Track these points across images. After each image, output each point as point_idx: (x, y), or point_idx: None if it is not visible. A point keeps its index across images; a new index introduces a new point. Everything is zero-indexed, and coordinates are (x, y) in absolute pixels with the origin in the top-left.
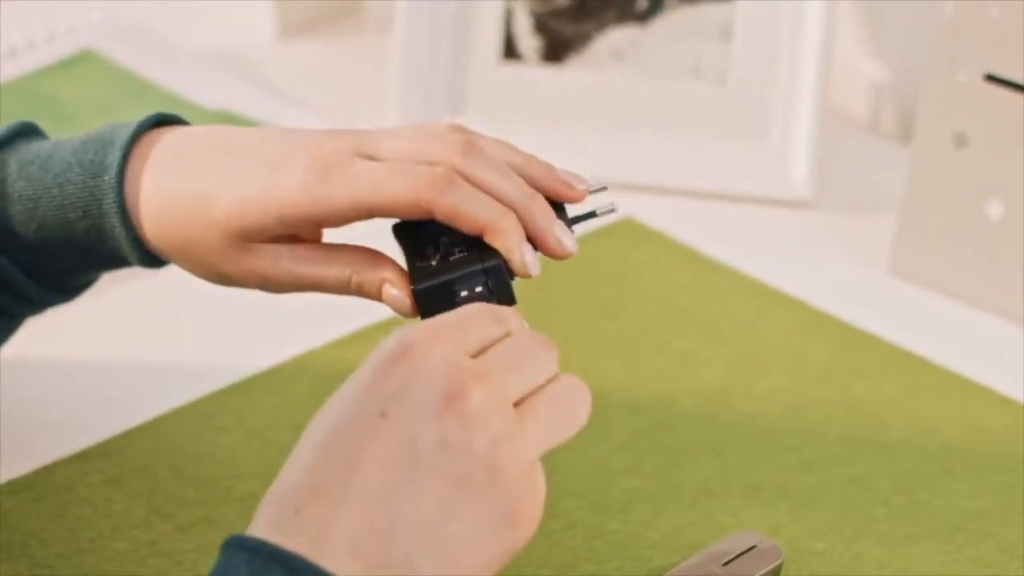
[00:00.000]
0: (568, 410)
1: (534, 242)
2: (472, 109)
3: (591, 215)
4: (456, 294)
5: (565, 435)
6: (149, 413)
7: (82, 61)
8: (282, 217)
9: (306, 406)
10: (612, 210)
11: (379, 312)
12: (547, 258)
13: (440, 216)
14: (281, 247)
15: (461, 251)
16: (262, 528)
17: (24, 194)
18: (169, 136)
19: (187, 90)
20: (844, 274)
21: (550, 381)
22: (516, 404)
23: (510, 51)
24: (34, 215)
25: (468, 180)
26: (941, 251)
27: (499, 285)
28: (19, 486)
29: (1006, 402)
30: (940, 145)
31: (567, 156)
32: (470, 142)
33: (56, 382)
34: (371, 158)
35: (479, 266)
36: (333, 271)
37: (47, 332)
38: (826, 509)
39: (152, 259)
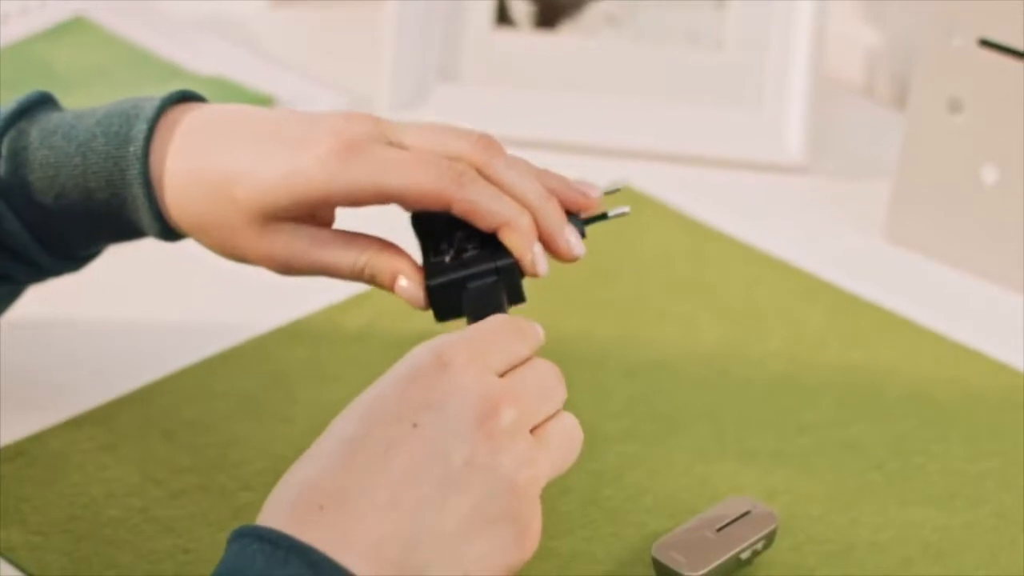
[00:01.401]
0: (571, 442)
1: (545, 243)
2: (465, 75)
3: (603, 217)
4: (467, 289)
5: (565, 466)
6: (142, 379)
7: (75, 27)
8: (303, 197)
9: (300, 372)
10: (625, 212)
11: None
12: None
13: (458, 210)
14: (299, 228)
15: (474, 247)
16: (280, 520)
17: (46, 162)
18: (194, 113)
19: (181, 56)
20: (839, 240)
21: (558, 412)
22: (532, 430)
23: (503, 17)
24: (54, 183)
25: (488, 177)
26: (936, 216)
27: (510, 284)
28: (12, 452)
29: (1001, 367)
30: (935, 110)
31: (561, 123)
32: (492, 142)
33: (49, 348)
34: (394, 145)
35: (492, 264)
36: (348, 257)
37: (39, 299)
38: (821, 474)
39: (169, 232)
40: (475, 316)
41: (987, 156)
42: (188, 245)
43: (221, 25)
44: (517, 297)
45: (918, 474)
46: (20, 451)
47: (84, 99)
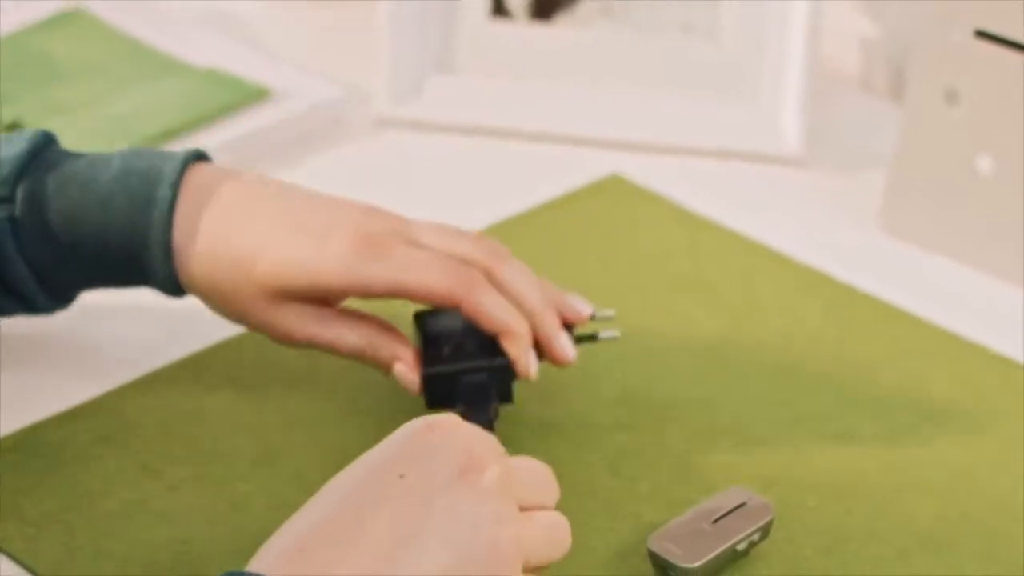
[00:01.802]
0: (558, 534)
1: (542, 345)
2: (461, 67)
3: (592, 338)
4: (461, 382)
5: (553, 555)
6: (138, 371)
7: (72, 19)
8: (320, 285)
9: (296, 364)
10: (615, 336)
11: None
12: (537, 216)
13: (465, 312)
14: (307, 307)
15: (473, 344)
16: (265, 565)
17: (63, 212)
18: (215, 179)
19: (177, 48)
20: (836, 232)
21: (548, 507)
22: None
23: (499, 8)
24: (70, 234)
25: (497, 283)
26: (933, 208)
27: (502, 384)
28: (9, 444)
29: (998, 359)
30: (932, 102)
31: (557, 114)
32: (500, 248)
33: (45, 340)
34: (410, 244)
35: (487, 363)
36: (350, 339)
37: None
38: (818, 466)
39: (177, 291)
40: (465, 408)
41: (984, 148)
42: None
43: (217, 17)
44: (506, 397)
45: (914, 465)
46: (17, 443)
47: (82, 90)
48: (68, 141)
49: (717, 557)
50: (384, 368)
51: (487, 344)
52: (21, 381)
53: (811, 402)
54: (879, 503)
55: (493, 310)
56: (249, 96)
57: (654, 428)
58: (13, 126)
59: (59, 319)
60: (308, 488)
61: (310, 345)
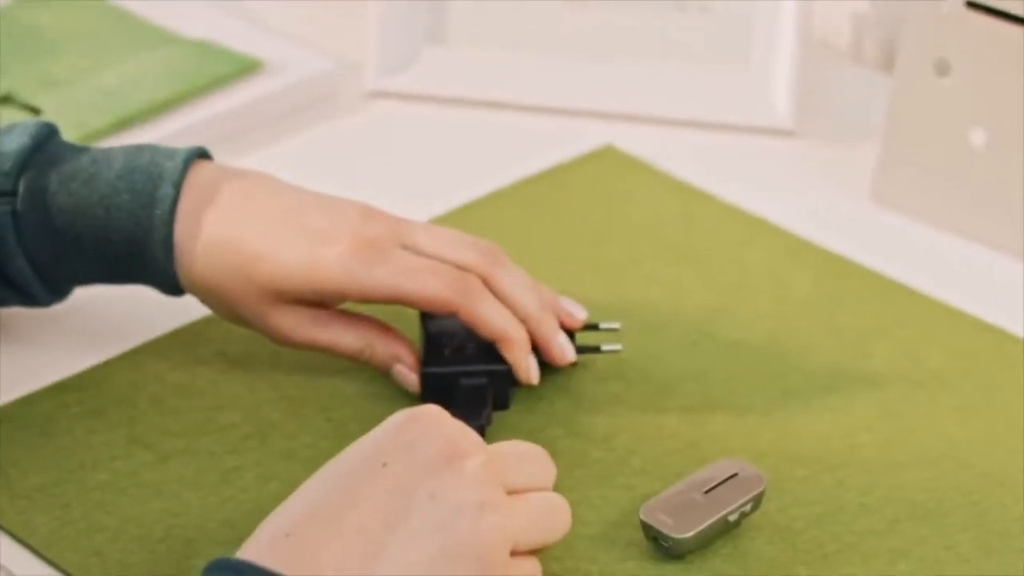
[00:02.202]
0: (554, 514)
1: (541, 348)
2: (451, 38)
3: (596, 350)
4: (459, 384)
5: (546, 538)
6: (128, 343)
7: None
8: (319, 289)
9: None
10: (618, 350)
11: None
12: (530, 186)
13: (463, 319)
14: (305, 309)
15: (474, 347)
16: (251, 552)
17: (65, 207)
18: (218, 179)
19: (168, 21)
20: (827, 203)
21: (542, 489)
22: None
23: None
24: (72, 229)
25: (492, 287)
26: (923, 179)
27: (500, 389)
28: None
29: (990, 329)
30: (922, 73)
31: (548, 85)
32: (498, 254)
33: (35, 314)
34: (408, 249)
35: (486, 367)
36: (348, 340)
37: None
38: (809, 437)
39: (176, 290)
40: (461, 411)
41: (974, 118)
42: None
43: None
44: (503, 403)
45: (906, 436)
46: (7, 416)
47: (73, 63)
48: (60, 114)
49: (709, 527)
50: (383, 369)
51: (488, 348)
52: (11, 355)
53: (803, 373)
54: (871, 474)
55: (490, 317)
56: (241, 68)
57: (646, 400)
58: (5, 99)
59: None
60: (299, 462)
61: (308, 346)
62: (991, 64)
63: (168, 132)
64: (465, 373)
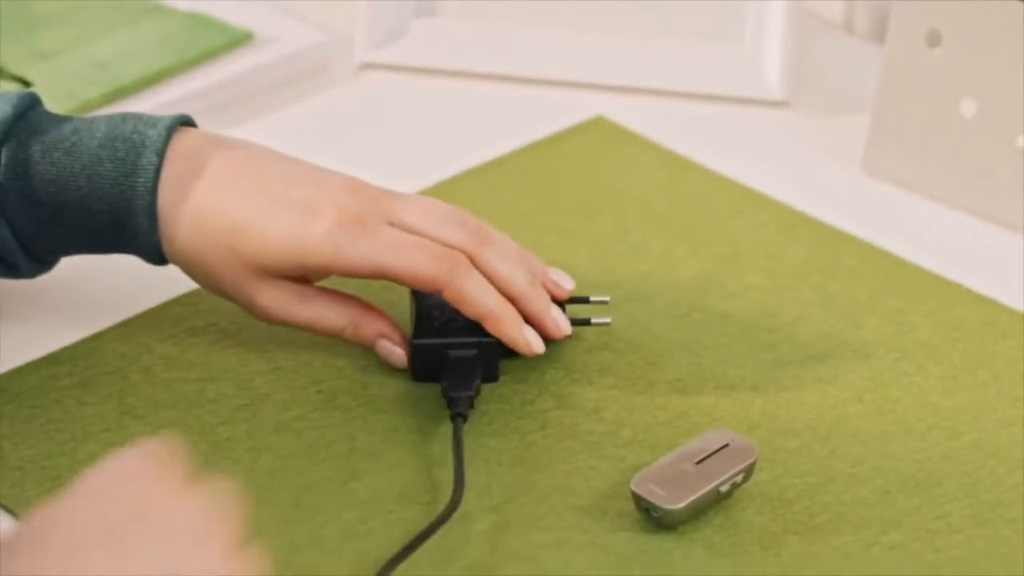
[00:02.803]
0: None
1: (534, 324)
2: (442, 9)
3: (586, 322)
4: (448, 355)
5: None
6: (119, 315)
7: None
8: (304, 264)
9: None
10: (607, 322)
11: None
12: (521, 157)
13: (448, 297)
14: (289, 284)
15: (464, 319)
16: None
17: (47, 177)
18: (203, 148)
19: None
20: (818, 174)
21: None
22: None
23: None
24: (55, 199)
25: (479, 266)
26: (915, 150)
27: (488, 362)
28: None
29: (980, 299)
30: (914, 44)
31: (539, 57)
32: (486, 231)
33: (24, 285)
34: (394, 225)
35: (476, 339)
36: (331, 318)
37: None
38: (800, 407)
39: (160, 260)
40: (450, 383)
41: (966, 89)
42: None
43: None
44: (492, 375)
45: (896, 407)
46: None
47: (64, 35)
48: (51, 86)
49: (700, 498)
50: (368, 346)
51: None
52: (1, 327)
53: (793, 344)
54: (862, 444)
55: (476, 296)
56: (232, 40)
57: (636, 371)
58: None
59: None
60: (291, 433)
61: (289, 323)
62: (982, 35)
63: (159, 103)
64: (454, 345)
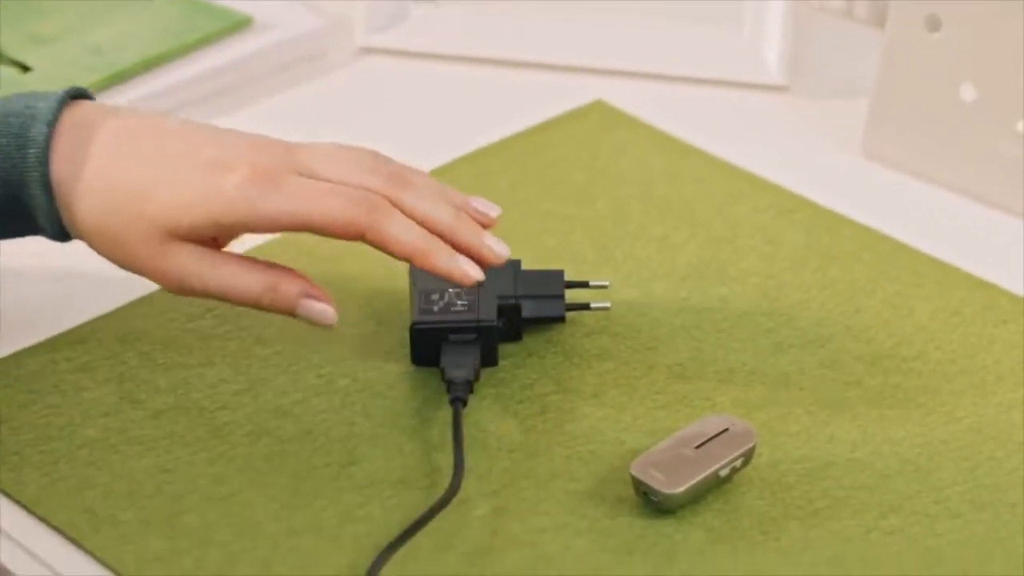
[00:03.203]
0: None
1: (472, 257)
2: None
3: (585, 307)
4: (447, 338)
5: None
6: (118, 300)
7: None
8: (216, 221)
9: None
10: (606, 307)
11: None
12: (520, 141)
13: (370, 240)
14: (201, 249)
15: (463, 304)
16: None
17: None
18: (96, 117)
19: None
20: (818, 158)
21: None
22: None
23: None
24: None
25: (401, 209)
26: (914, 134)
27: (487, 345)
28: None
29: (980, 284)
30: (913, 28)
31: (539, 41)
32: (401, 174)
33: (24, 270)
34: (305, 176)
35: (474, 322)
36: (247, 281)
37: None
38: (800, 391)
39: (62, 235)
40: (449, 366)
41: (965, 74)
42: None
43: None
44: (490, 360)
45: (896, 391)
46: None
47: (62, 19)
48: (49, 71)
49: (699, 483)
50: (289, 311)
51: (477, 303)
52: (0, 311)
53: (793, 328)
54: (861, 429)
55: (398, 234)
56: (231, 25)
57: (636, 355)
58: None
59: (38, 250)
60: (290, 418)
61: (203, 291)
62: (981, 19)
63: (158, 88)
64: (454, 328)
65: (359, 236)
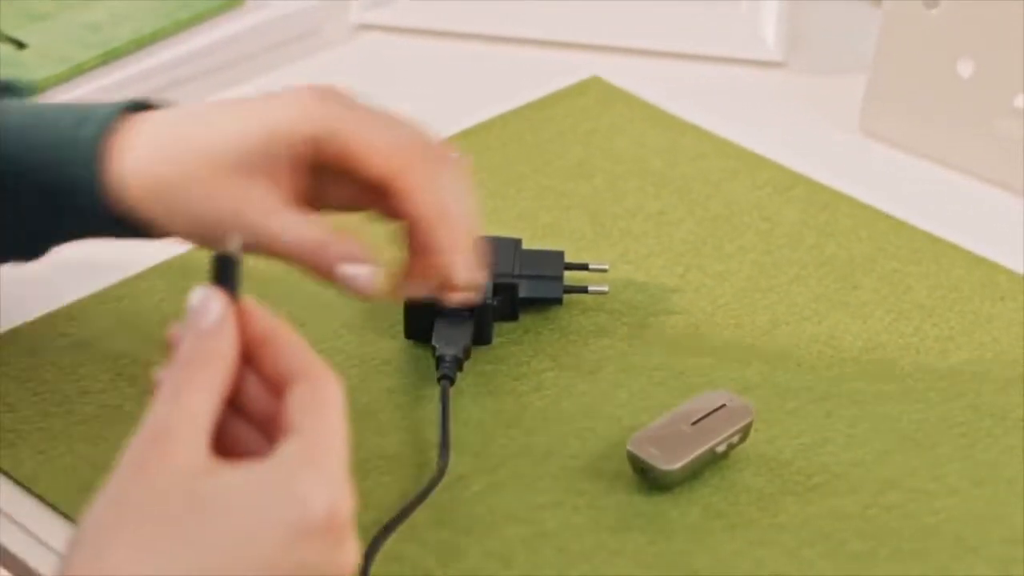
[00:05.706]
0: None
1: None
2: None
3: (583, 290)
4: (440, 314)
5: None
6: (115, 277)
7: None
8: (281, 135)
9: (277, 269)
10: (604, 291)
11: None
12: (517, 117)
13: (413, 186)
14: (264, 184)
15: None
16: None
17: None
18: (152, 112)
19: None
20: (815, 134)
21: None
22: None
23: None
24: None
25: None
26: (911, 110)
27: (481, 323)
28: None
29: (977, 260)
30: (911, 4)
31: (535, 18)
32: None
33: None
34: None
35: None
36: (299, 228)
37: None
38: (797, 368)
39: (98, 211)
40: (439, 343)
41: (962, 49)
42: None
43: None
44: (485, 338)
45: (893, 367)
46: None
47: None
48: (45, 48)
49: (696, 459)
50: (327, 272)
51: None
52: None
53: (790, 304)
54: (859, 406)
55: (441, 190)
56: (225, 3)
57: (632, 332)
58: None
59: None
60: None
61: (268, 237)
62: None
63: (152, 66)
64: (448, 310)
65: (401, 171)
